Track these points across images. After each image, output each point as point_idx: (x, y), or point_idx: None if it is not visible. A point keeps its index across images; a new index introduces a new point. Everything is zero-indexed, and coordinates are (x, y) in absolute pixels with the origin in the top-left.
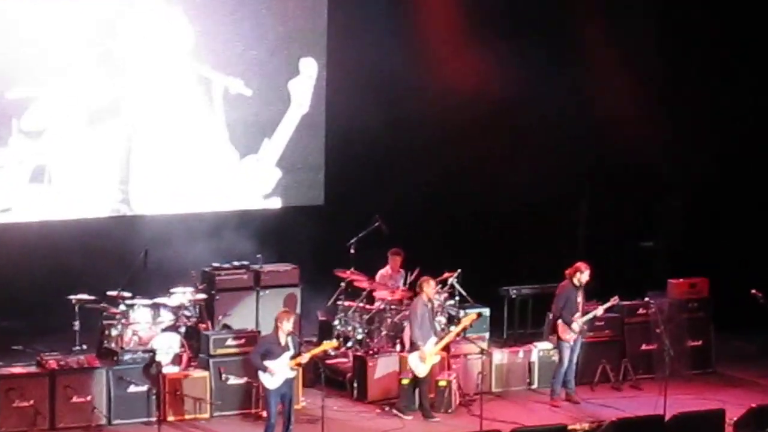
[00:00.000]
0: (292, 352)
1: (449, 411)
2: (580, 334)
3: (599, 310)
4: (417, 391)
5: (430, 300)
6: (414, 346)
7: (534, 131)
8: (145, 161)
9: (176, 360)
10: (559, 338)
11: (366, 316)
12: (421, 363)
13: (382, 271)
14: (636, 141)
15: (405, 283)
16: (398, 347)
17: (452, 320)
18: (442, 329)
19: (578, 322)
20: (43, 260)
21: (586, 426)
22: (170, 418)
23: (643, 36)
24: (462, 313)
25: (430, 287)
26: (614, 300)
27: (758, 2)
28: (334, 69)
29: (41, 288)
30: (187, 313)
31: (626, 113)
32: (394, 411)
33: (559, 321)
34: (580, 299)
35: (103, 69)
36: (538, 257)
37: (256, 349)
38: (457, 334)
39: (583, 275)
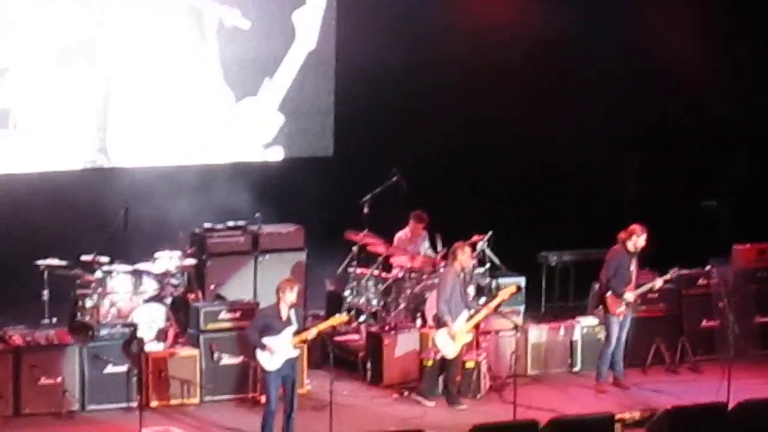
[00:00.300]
0: (295, 327)
1: (477, 396)
2: (631, 308)
3: (658, 282)
4: (442, 374)
5: (463, 269)
6: (441, 323)
7: (578, 77)
8: (126, 105)
9: (161, 336)
10: (606, 312)
11: (382, 286)
12: (451, 342)
13: (400, 234)
14: (697, 87)
15: (435, 249)
16: (419, 322)
17: (482, 291)
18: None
19: (631, 293)
20: (7, 219)
21: (636, 415)
22: (153, 404)
23: None
24: (494, 283)
25: (464, 255)
26: (675, 271)
27: None
28: None
29: (4, 251)
30: (173, 281)
31: (686, 56)
32: (415, 396)
33: (608, 292)
34: (633, 268)
35: None
36: (581, 219)
37: (253, 323)
38: (494, 310)
39: (639, 240)
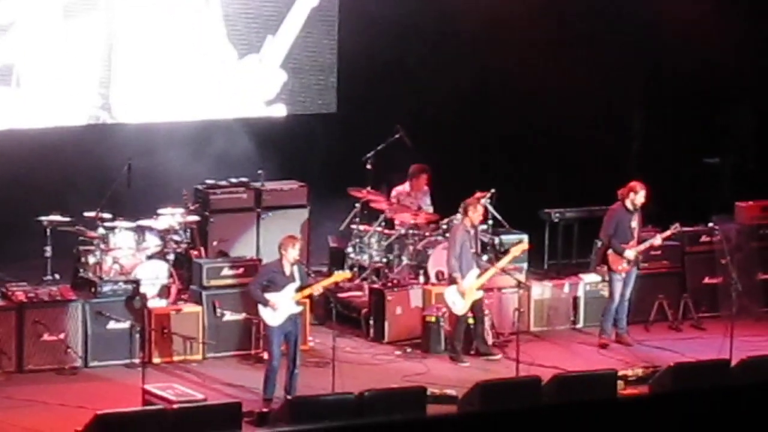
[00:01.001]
0: (298, 283)
1: (480, 351)
2: (633, 265)
3: (657, 239)
4: (456, 330)
5: (474, 226)
6: (451, 279)
7: (582, 32)
8: (129, 61)
9: (164, 292)
10: (609, 269)
11: (384, 243)
12: (460, 298)
13: (398, 188)
14: (700, 41)
15: (434, 205)
16: (422, 279)
17: (485, 248)
18: (488, 259)
19: (632, 250)
20: (9, 175)
21: (639, 371)
22: (156, 360)
23: None
24: (496, 240)
25: (476, 213)
26: (675, 227)
27: None
28: None
29: (7, 207)
30: (176, 237)
31: (689, 11)
32: (452, 357)
33: (610, 250)
34: (634, 224)
35: None
36: (585, 175)
37: (256, 279)
38: (506, 269)
39: (637, 196)
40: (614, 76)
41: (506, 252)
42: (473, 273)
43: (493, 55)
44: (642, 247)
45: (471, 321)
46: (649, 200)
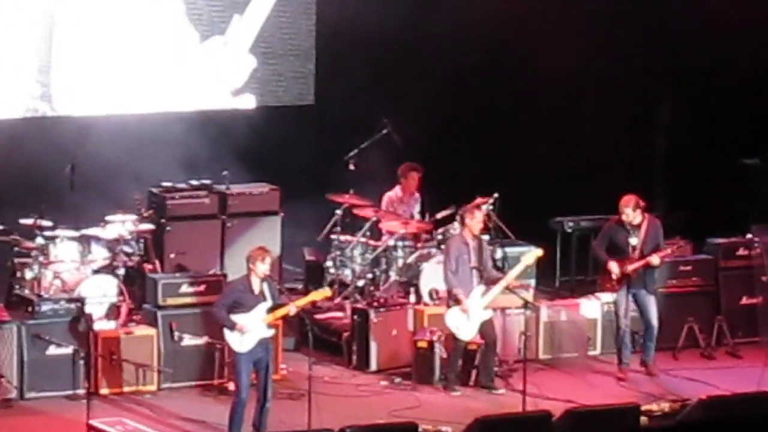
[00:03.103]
0: (269, 303)
1: (481, 383)
2: (625, 283)
3: (654, 259)
4: (448, 358)
5: (475, 237)
6: (451, 298)
7: (599, 11)
8: (72, 44)
9: (112, 313)
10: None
11: (370, 256)
12: (465, 321)
13: (389, 194)
14: (739, 27)
15: (423, 214)
16: (413, 298)
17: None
18: (499, 270)
19: (615, 265)
20: None
21: (665, 406)
22: (104, 391)
23: None
24: (499, 253)
25: (474, 220)
26: (673, 246)
27: None
28: None
29: None
30: (127, 249)
31: None
32: (441, 388)
33: (611, 264)
34: (634, 241)
35: None
36: (602, 179)
37: (220, 299)
38: (511, 286)
39: (625, 214)
40: (640, 63)
41: (511, 264)
42: (478, 290)
43: (500, 41)
44: (634, 265)
45: (472, 347)
46: (671, 210)
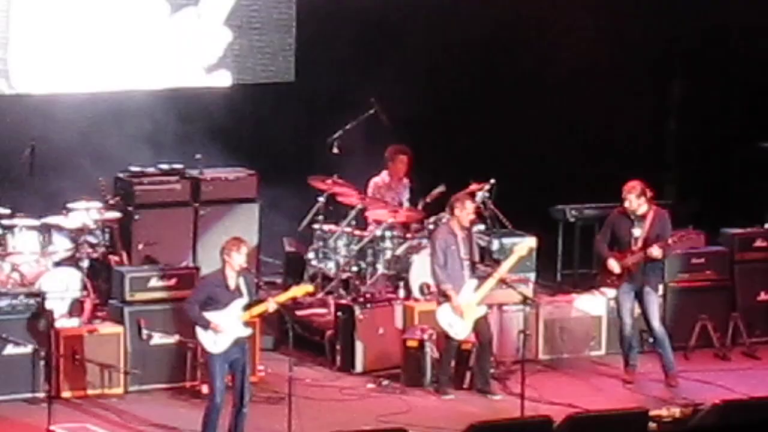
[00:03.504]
0: (246, 299)
1: (477, 387)
2: (626, 279)
3: (654, 250)
4: (437, 359)
5: (464, 228)
6: (441, 294)
7: None
8: (32, 17)
9: (76, 309)
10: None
11: (355, 247)
12: (458, 319)
13: (376, 180)
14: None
15: (413, 200)
16: (402, 293)
17: (483, 254)
18: (487, 265)
19: (614, 262)
20: None
21: (676, 411)
22: (66, 394)
23: None
24: (496, 244)
25: (465, 210)
26: (675, 238)
27: None
28: None
29: None
30: (91, 239)
31: None
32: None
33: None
34: (638, 232)
35: None
36: (608, 164)
37: (193, 294)
38: (508, 280)
39: (628, 200)
40: (649, 41)
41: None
42: (469, 285)
43: (500, 13)
44: (635, 258)
45: (466, 347)
46: (681, 199)
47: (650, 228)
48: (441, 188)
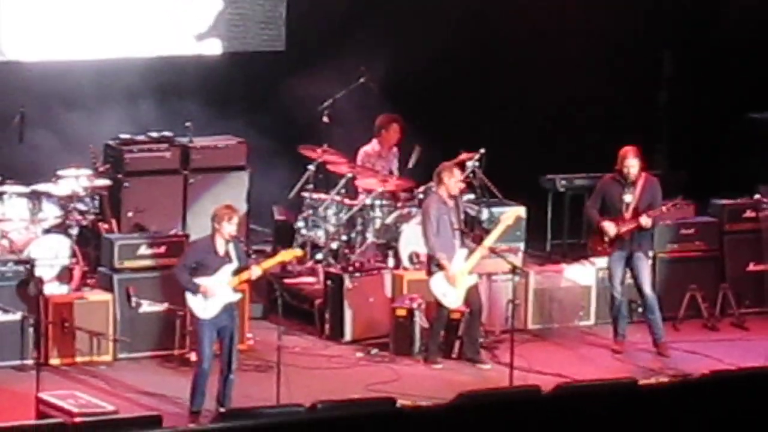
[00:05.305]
0: (235, 265)
1: (466, 356)
2: (619, 247)
3: (643, 219)
4: (432, 327)
5: (452, 196)
6: (431, 263)
7: None
8: None
9: (65, 276)
10: (590, 251)
11: (344, 215)
12: (451, 288)
13: (366, 148)
14: None
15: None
16: (391, 261)
17: (472, 223)
18: (476, 234)
19: (611, 225)
20: None
21: (665, 381)
22: (55, 361)
23: None
24: (485, 213)
25: (453, 179)
26: (669, 204)
27: None
28: None
29: None
30: (81, 206)
31: None
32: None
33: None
34: (629, 198)
35: None
36: (599, 133)
37: (182, 260)
38: (498, 249)
39: (626, 166)
40: (639, 10)
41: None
42: (460, 254)
43: None
44: (627, 226)
45: (456, 316)
46: (669, 169)
47: (641, 194)
48: (417, 150)
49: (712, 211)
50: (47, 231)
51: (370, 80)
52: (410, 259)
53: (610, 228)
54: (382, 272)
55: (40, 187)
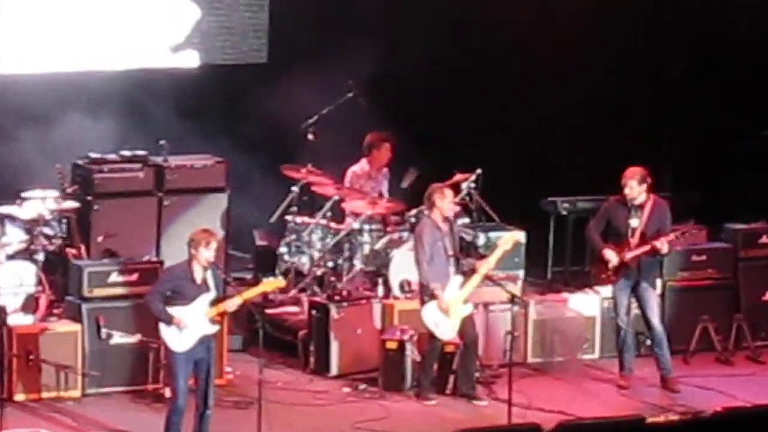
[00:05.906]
0: (213, 294)
1: (461, 391)
2: (624, 275)
3: (661, 245)
4: (422, 361)
5: (446, 220)
6: (424, 293)
7: None
8: None
9: (30, 305)
10: (593, 279)
11: (331, 241)
12: (444, 318)
13: (354, 168)
14: None
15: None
16: (381, 290)
17: (468, 249)
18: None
19: (613, 252)
20: None
21: (675, 419)
22: (19, 397)
23: None
24: (482, 238)
25: (445, 201)
26: (681, 230)
27: None
28: None
29: None
30: (47, 230)
31: None
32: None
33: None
34: (635, 223)
35: None
36: (603, 154)
37: (156, 287)
38: (495, 277)
39: (628, 187)
40: (647, 21)
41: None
42: (455, 282)
43: None
44: (634, 252)
45: (450, 349)
46: (677, 191)
47: (648, 219)
48: (413, 171)
49: (725, 236)
50: (11, 257)
51: (359, 95)
52: (401, 287)
53: (612, 257)
54: (371, 302)
55: (4, 209)
